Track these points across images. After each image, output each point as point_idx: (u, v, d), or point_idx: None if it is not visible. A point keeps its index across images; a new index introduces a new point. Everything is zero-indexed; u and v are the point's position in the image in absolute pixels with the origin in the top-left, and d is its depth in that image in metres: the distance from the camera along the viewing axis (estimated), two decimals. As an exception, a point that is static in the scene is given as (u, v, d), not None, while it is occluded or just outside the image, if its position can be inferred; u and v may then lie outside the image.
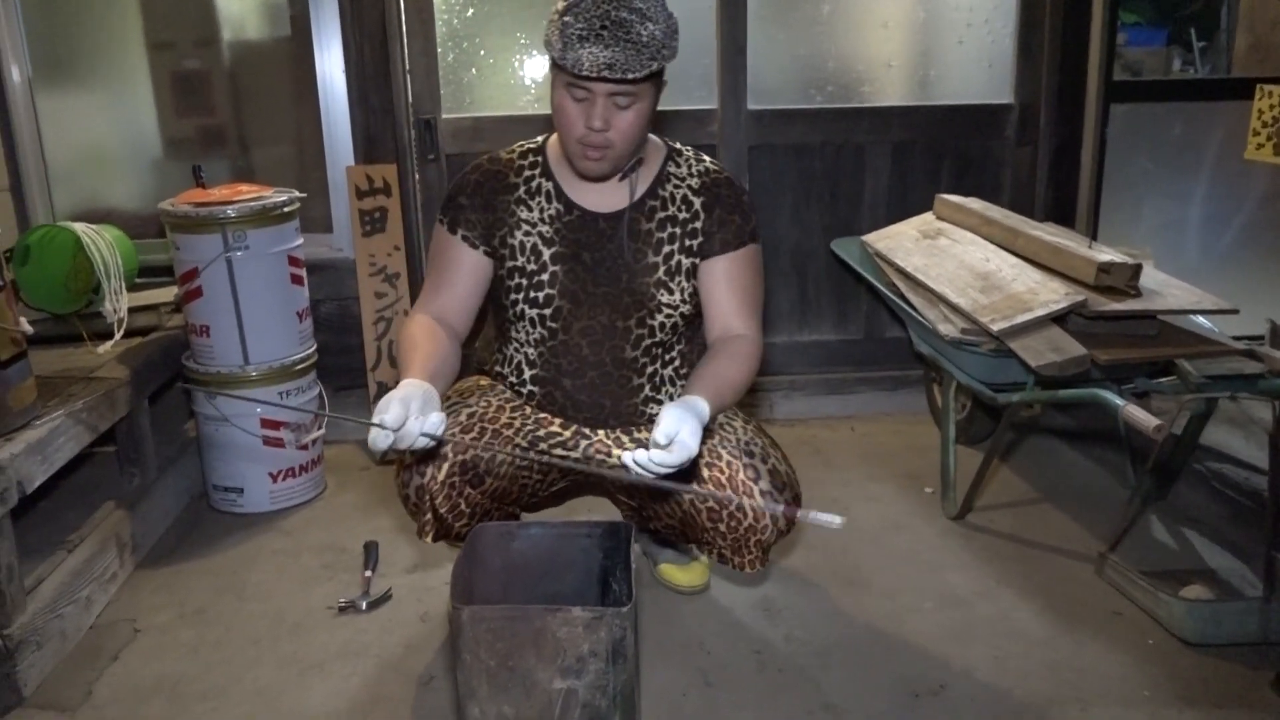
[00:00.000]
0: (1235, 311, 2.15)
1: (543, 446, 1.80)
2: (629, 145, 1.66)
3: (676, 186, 1.79)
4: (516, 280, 1.78)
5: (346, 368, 2.89)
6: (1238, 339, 2.15)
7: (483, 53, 2.90)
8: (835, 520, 1.29)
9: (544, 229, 1.77)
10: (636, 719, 1.45)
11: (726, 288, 1.76)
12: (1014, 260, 2.36)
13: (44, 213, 2.92)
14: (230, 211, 2.34)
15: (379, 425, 1.38)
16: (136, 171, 3.01)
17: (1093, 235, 2.93)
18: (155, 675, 1.86)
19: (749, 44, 2.89)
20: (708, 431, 1.53)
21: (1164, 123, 3.07)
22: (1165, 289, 2.21)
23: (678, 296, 1.78)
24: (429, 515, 1.72)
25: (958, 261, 2.45)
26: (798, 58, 2.99)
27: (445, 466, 1.69)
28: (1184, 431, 2.30)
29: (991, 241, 2.49)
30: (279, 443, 2.48)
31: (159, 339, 2.50)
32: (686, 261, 1.78)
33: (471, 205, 1.77)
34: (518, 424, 1.80)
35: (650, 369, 1.84)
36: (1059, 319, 2.14)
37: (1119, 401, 1.93)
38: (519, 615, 1.36)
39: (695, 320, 1.85)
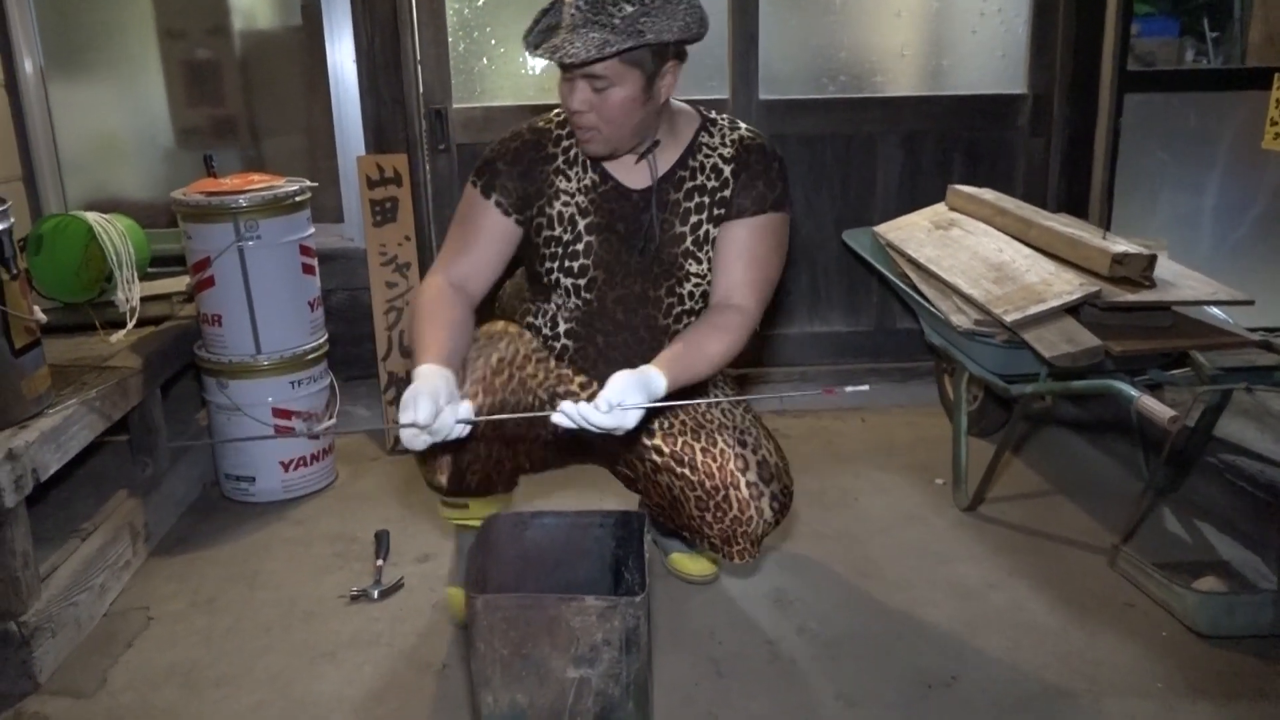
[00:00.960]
0: (1250, 303, 2.14)
1: (562, 389, 1.81)
2: (616, 129, 1.63)
3: (708, 156, 1.75)
4: (553, 249, 1.77)
5: (357, 357, 2.89)
6: (1253, 330, 2.14)
7: (494, 42, 2.89)
8: (863, 387, 1.45)
9: (580, 199, 1.76)
10: (649, 708, 1.46)
11: (738, 255, 1.73)
12: (1027, 251, 2.35)
13: (56, 202, 2.93)
14: (242, 201, 2.34)
15: (414, 425, 1.38)
16: (148, 161, 3.02)
17: (1106, 226, 2.92)
18: (168, 662, 1.87)
19: (761, 33, 2.88)
20: (666, 411, 1.57)
21: (1178, 113, 3.05)
22: (1180, 280, 2.20)
23: (706, 266, 1.76)
24: (447, 457, 1.68)
25: (970, 252, 2.44)
26: (810, 47, 2.98)
27: (475, 405, 1.64)
28: (1198, 423, 2.28)
29: (1004, 232, 2.48)
30: (291, 431, 2.48)
31: (171, 328, 2.51)
32: (715, 230, 1.76)
33: (510, 173, 1.75)
34: (540, 376, 1.78)
35: (676, 332, 1.82)
36: (1072, 310, 2.13)
37: (1133, 393, 1.92)
38: (533, 604, 1.36)
39: None
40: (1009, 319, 2.11)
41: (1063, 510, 2.40)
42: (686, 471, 1.74)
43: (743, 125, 1.80)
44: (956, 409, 2.42)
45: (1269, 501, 2.18)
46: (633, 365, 1.76)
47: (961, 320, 2.26)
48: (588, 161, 1.76)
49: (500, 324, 1.86)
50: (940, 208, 2.79)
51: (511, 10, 2.88)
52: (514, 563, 1.60)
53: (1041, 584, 2.07)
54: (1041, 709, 1.70)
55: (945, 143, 3.02)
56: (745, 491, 1.71)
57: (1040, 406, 2.94)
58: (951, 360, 2.46)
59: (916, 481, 2.56)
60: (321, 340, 2.57)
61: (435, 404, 1.40)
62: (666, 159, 1.75)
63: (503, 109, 2.89)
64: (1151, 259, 2.15)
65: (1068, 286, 2.14)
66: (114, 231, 2.48)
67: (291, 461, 2.50)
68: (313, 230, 2.53)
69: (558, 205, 1.76)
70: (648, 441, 1.79)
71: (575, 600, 1.35)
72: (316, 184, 2.57)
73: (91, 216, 2.49)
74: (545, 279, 1.81)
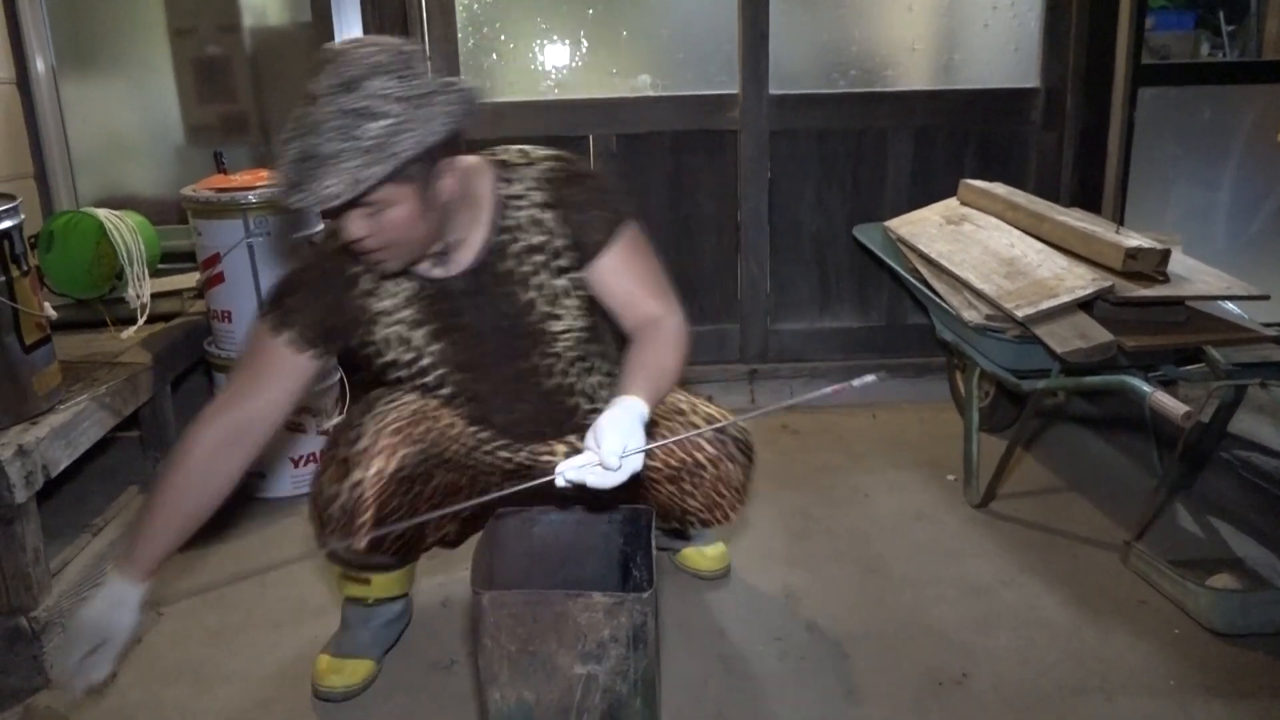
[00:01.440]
0: (1266, 298, 2.12)
1: (487, 449, 1.71)
2: (406, 245, 1.46)
3: (519, 209, 1.57)
4: (398, 372, 1.65)
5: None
6: (1268, 325, 2.12)
7: (503, 38, 2.89)
8: (869, 378, 1.28)
9: (405, 314, 1.60)
10: (657, 705, 1.45)
11: (622, 283, 1.59)
12: (1039, 246, 2.33)
13: (68, 199, 2.94)
14: (252, 197, 2.34)
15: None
16: (159, 158, 3.03)
17: (1119, 221, 2.89)
18: (178, 658, 1.87)
19: (771, 28, 2.87)
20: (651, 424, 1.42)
21: (1193, 106, 3.02)
22: (1194, 275, 2.17)
23: (568, 320, 1.63)
24: (367, 516, 1.56)
25: (982, 247, 2.42)
26: (820, 42, 2.96)
27: (394, 460, 1.57)
28: (1212, 419, 2.27)
29: (1016, 227, 2.47)
30: (300, 428, 2.49)
31: (181, 324, 2.51)
32: (562, 282, 1.60)
33: (305, 309, 1.57)
34: (458, 426, 1.68)
35: (579, 385, 1.72)
36: (1085, 305, 2.11)
37: (1147, 389, 1.90)
38: (540, 600, 1.36)
39: (600, 320, 1.70)
40: (1021, 314, 2.09)
41: (1075, 507, 2.38)
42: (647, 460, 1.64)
43: (535, 152, 1.62)
44: (968, 405, 2.40)
45: (1284, 498, 2.16)
46: (543, 433, 1.73)
47: (973, 315, 2.25)
48: (397, 272, 1.57)
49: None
50: (952, 203, 2.77)
51: (521, 6, 2.87)
52: (521, 559, 1.60)
53: (1053, 581, 2.06)
54: (1053, 707, 1.69)
55: (957, 137, 3.01)
56: (711, 449, 1.69)
57: (1052, 402, 2.92)
58: (963, 356, 2.45)
59: (928, 478, 2.55)
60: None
61: (88, 648, 1.42)
62: (479, 233, 1.57)
63: (513, 105, 2.89)
64: (1165, 254, 2.13)
65: (1080, 281, 2.12)
66: (125, 228, 2.49)
67: (302, 458, 2.50)
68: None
69: (382, 330, 1.62)
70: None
71: (582, 597, 1.35)
72: (326, 180, 2.56)
73: (102, 213, 2.50)
74: (391, 377, 1.68)
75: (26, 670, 1.77)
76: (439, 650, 1.88)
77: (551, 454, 1.74)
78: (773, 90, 2.92)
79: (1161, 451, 2.48)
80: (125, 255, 2.46)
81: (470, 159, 1.56)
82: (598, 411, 1.70)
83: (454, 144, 1.43)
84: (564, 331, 1.64)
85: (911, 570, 2.12)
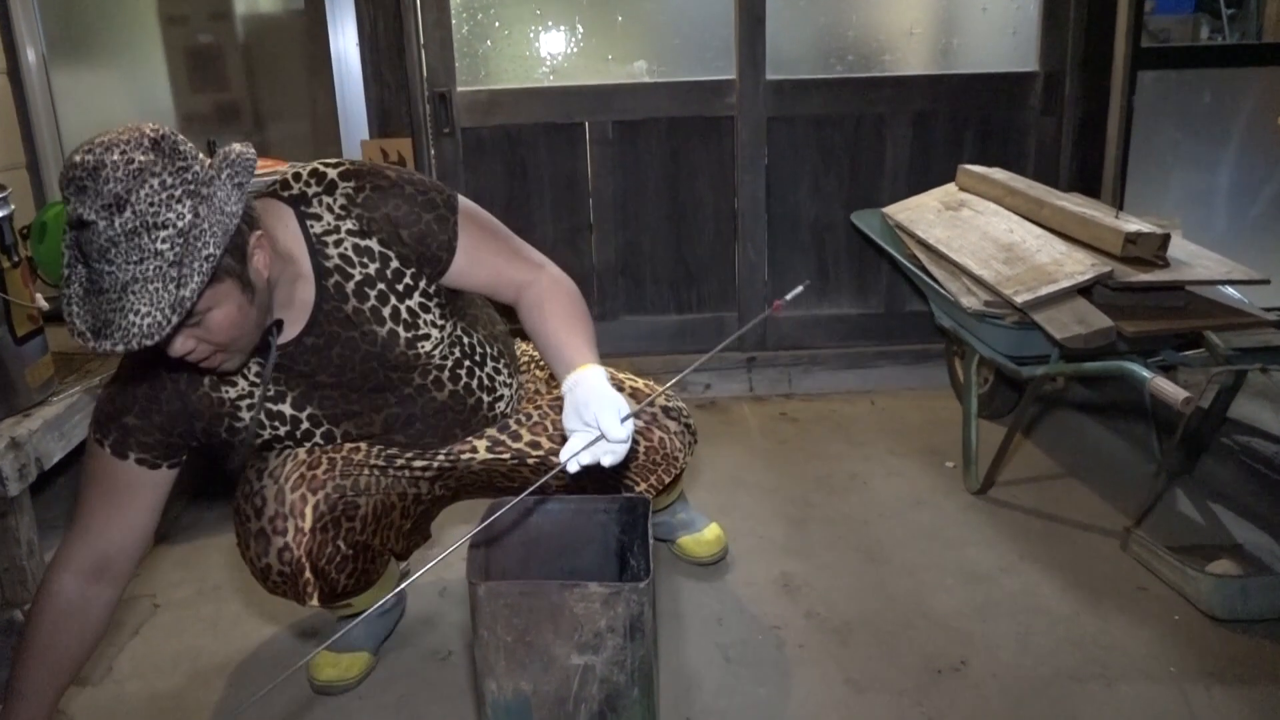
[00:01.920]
0: (1266, 282, 2.11)
1: (400, 462, 1.63)
2: (240, 341, 1.33)
3: (336, 243, 1.43)
4: (279, 448, 1.56)
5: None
6: (1268, 310, 2.11)
7: (498, 24, 2.86)
8: (799, 288, 1.28)
9: (259, 391, 1.49)
10: (655, 695, 1.44)
11: (486, 271, 1.51)
12: (1038, 231, 2.32)
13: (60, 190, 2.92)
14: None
15: None
16: (152, 148, 3.00)
17: (1119, 205, 2.88)
18: (175, 650, 1.87)
19: (768, 13, 2.85)
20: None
21: (1193, 90, 3.01)
22: (1194, 259, 2.16)
23: (436, 334, 1.53)
24: (307, 575, 1.52)
25: (981, 233, 2.41)
26: (817, 26, 2.94)
27: (309, 511, 1.50)
28: (1212, 405, 2.26)
29: (1015, 212, 2.45)
30: (296, 419, 2.48)
31: (176, 316, 2.50)
32: (414, 301, 1.49)
33: (147, 422, 1.44)
34: (362, 450, 1.60)
35: (472, 383, 1.63)
36: (1084, 290, 2.10)
37: (1146, 374, 1.89)
38: (536, 591, 1.35)
39: (465, 308, 1.64)
40: (1020, 300, 2.08)
41: (1075, 493, 2.37)
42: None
43: (325, 171, 1.45)
44: (967, 391, 2.39)
45: (1284, 483, 2.16)
46: (450, 435, 1.64)
47: (971, 302, 2.23)
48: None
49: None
50: (950, 188, 2.75)
51: (515, -8, 2.85)
52: (517, 549, 1.59)
53: (1053, 568, 2.05)
54: (1053, 694, 1.68)
55: (955, 122, 2.99)
56: (667, 434, 1.71)
57: (1052, 388, 2.91)
58: (962, 342, 2.44)
59: (927, 465, 2.54)
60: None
61: None
62: (304, 288, 1.43)
63: (508, 92, 2.87)
64: (1165, 238, 2.11)
65: (1079, 267, 2.11)
66: (117, 219, 2.47)
67: (298, 448, 2.49)
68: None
69: (244, 414, 1.50)
70: (517, 444, 1.69)
71: (579, 587, 1.34)
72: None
73: (95, 204, 2.48)
74: (248, 450, 1.57)
75: (22, 663, 1.76)
76: (436, 641, 1.87)
77: (473, 451, 1.67)
78: (770, 76, 2.90)
79: (1161, 437, 2.47)
80: (118, 246, 2.44)
81: (267, 210, 1.40)
82: (502, 400, 1.68)
83: (250, 215, 1.29)
84: (434, 347, 1.54)
85: (910, 557, 2.11)
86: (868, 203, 2.95)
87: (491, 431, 1.69)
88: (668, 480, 1.77)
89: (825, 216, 3.03)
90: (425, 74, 2.81)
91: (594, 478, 1.61)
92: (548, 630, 1.35)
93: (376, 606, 1.40)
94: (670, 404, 1.77)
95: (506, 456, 1.68)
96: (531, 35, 2.89)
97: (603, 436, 1.25)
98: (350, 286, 1.45)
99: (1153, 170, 3.04)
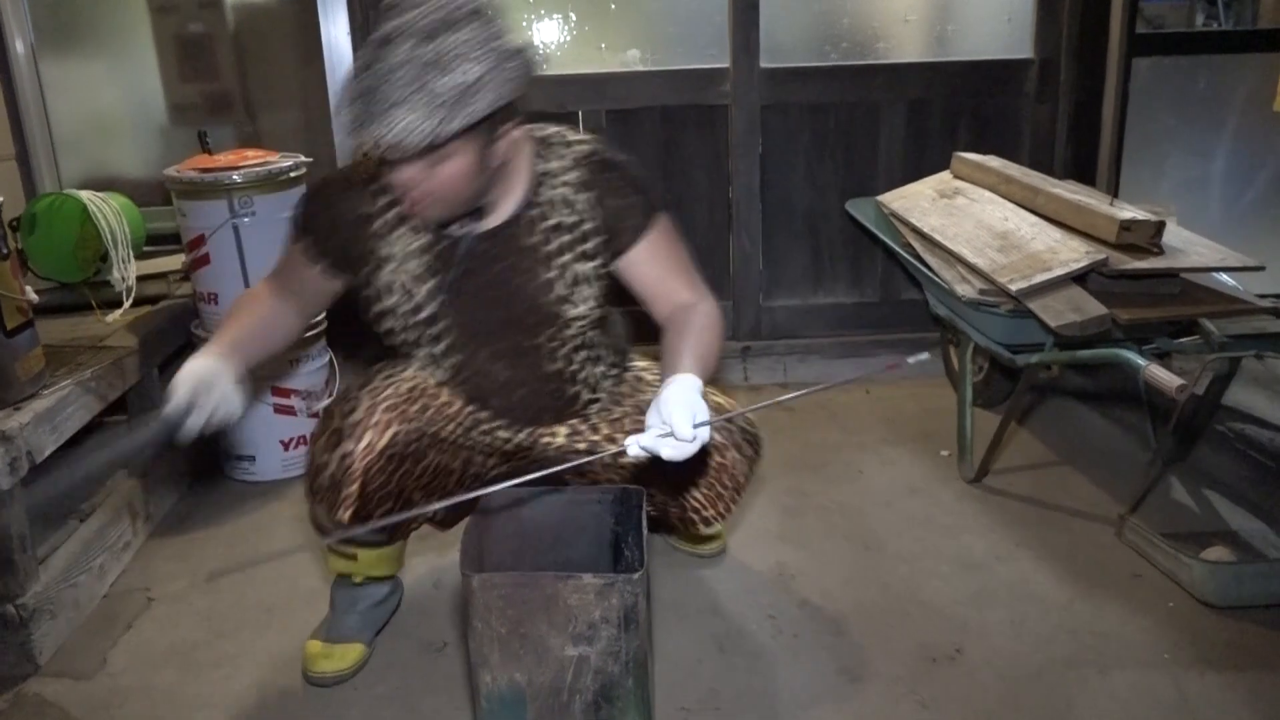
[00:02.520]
0: (1261, 269, 2.11)
1: (486, 426, 1.69)
2: (450, 201, 1.45)
3: (554, 187, 1.57)
4: (393, 322, 1.63)
5: (356, 335, 2.87)
6: (1263, 297, 2.11)
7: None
8: (924, 355, 1.36)
9: (412, 265, 1.58)
10: (650, 685, 1.44)
11: (656, 273, 1.61)
12: (1033, 219, 2.31)
13: (50, 181, 2.91)
14: (236, 177, 2.32)
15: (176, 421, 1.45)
16: (142, 138, 2.99)
17: (1114, 193, 2.87)
18: (169, 643, 1.86)
19: (761, 0, 2.83)
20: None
21: (1188, 76, 3.00)
22: (1189, 246, 2.16)
23: (583, 307, 1.61)
24: (354, 488, 1.55)
25: (975, 221, 2.40)
26: (812, 14, 2.92)
27: (387, 435, 1.56)
28: (1206, 392, 2.25)
29: (1010, 200, 2.44)
30: (290, 410, 2.47)
31: (168, 307, 2.49)
32: (585, 268, 1.59)
33: (322, 227, 1.60)
34: (456, 405, 1.66)
35: (581, 374, 1.71)
36: (1079, 278, 2.09)
37: (1141, 362, 1.89)
38: (530, 582, 1.35)
39: (612, 314, 1.75)
40: (1014, 288, 2.08)
41: (1069, 481, 2.37)
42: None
43: (575, 137, 1.61)
44: (962, 380, 2.39)
45: (1277, 470, 2.16)
46: (541, 416, 1.70)
47: (967, 290, 2.23)
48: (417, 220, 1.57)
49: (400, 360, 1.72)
50: (945, 176, 2.75)
51: (507, -20, 2.83)
52: (511, 540, 1.58)
53: (1048, 555, 2.05)
54: (1047, 681, 1.68)
55: (950, 110, 2.98)
56: (718, 437, 1.68)
57: (1046, 376, 2.91)
58: (957, 331, 2.43)
59: (922, 453, 2.54)
60: (320, 318, 2.54)
61: (193, 393, 1.44)
62: (511, 201, 1.56)
63: (500, 81, 2.85)
64: (1160, 225, 2.11)
65: (1074, 254, 2.10)
66: (109, 210, 2.46)
67: (292, 440, 2.49)
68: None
69: (385, 274, 1.59)
70: (596, 437, 1.72)
71: (572, 578, 1.34)
72: (312, 159, 2.53)
73: (86, 195, 2.47)
74: (401, 349, 1.68)
75: (15, 657, 1.76)
76: (430, 632, 1.87)
77: (552, 435, 1.73)
78: (764, 64, 2.88)
79: (1156, 425, 2.47)
80: (109, 238, 2.43)
81: (520, 130, 1.53)
82: (596, 401, 1.72)
83: (513, 110, 1.43)
84: (577, 318, 1.62)
85: (905, 546, 2.11)
86: (863, 191, 2.94)
87: (573, 421, 1.74)
88: (733, 507, 1.75)
89: (820, 205, 3.03)
90: (417, 63, 2.79)
91: (661, 485, 1.70)
92: (542, 621, 1.35)
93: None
94: (750, 429, 1.75)
95: (582, 446, 1.71)
96: (524, 24, 2.87)
97: (672, 433, 1.28)
98: (543, 225, 1.57)
99: (1147, 157, 3.03)
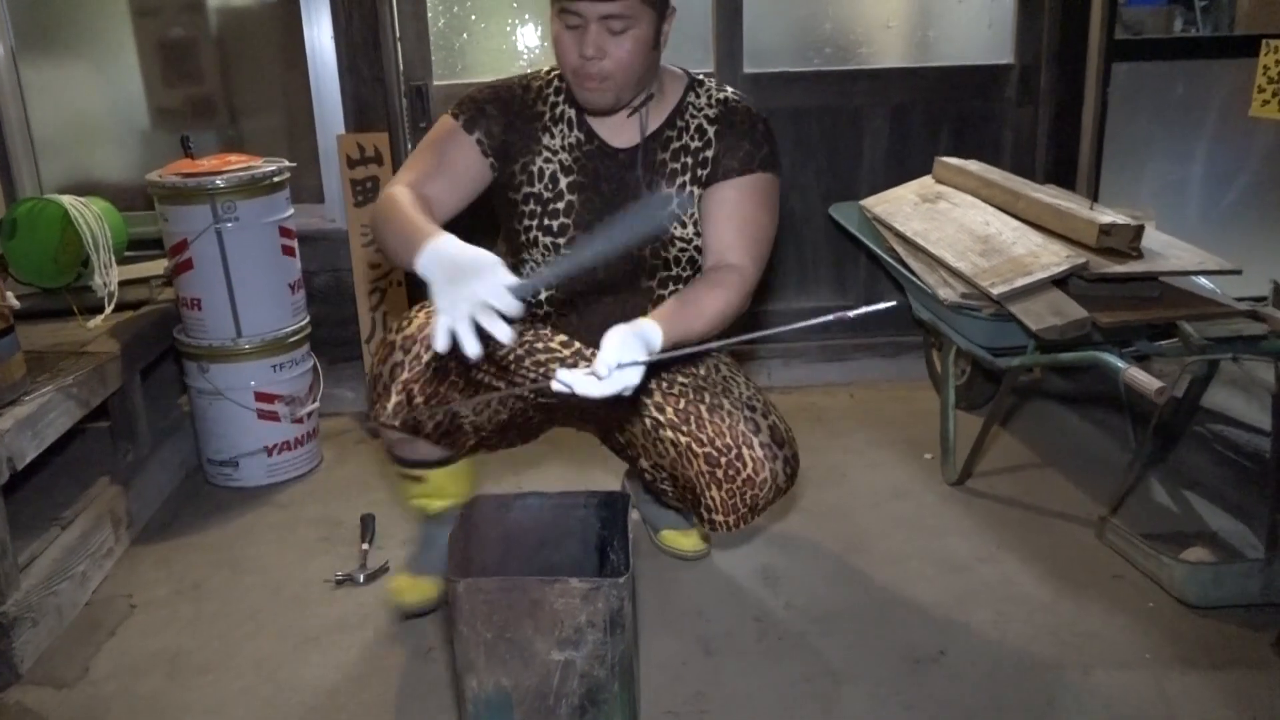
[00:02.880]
0: (1238, 272, 2.13)
1: (541, 356, 1.75)
2: (628, 75, 1.59)
3: (693, 116, 1.73)
4: (532, 206, 1.73)
5: (341, 339, 2.87)
6: (1240, 300, 2.13)
7: (474, 17, 2.85)
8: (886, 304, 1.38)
9: (564, 156, 1.73)
10: (636, 689, 1.45)
11: (727, 216, 1.69)
12: (1014, 223, 2.33)
13: (31, 185, 2.89)
14: (219, 182, 2.31)
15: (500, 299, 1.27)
16: (124, 142, 2.97)
17: (1094, 197, 2.90)
18: (152, 650, 1.85)
19: (745, 6, 2.84)
20: (668, 369, 1.57)
21: (1167, 82, 3.03)
22: (1167, 250, 2.18)
23: (690, 230, 1.73)
24: (397, 398, 1.65)
25: (957, 225, 2.42)
26: (795, 19, 2.94)
27: (429, 354, 1.64)
28: (1185, 394, 2.28)
29: (991, 204, 2.46)
30: (274, 416, 2.46)
31: (150, 312, 2.48)
32: (699, 192, 1.73)
33: (497, 118, 1.70)
34: (518, 331, 1.73)
35: (664, 299, 1.76)
36: (1060, 282, 2.11)
37: (1121, 364, 1.91)
38: (515, 587, 1.35)
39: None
40: (996, 292, 2.09)
41: (1051, 483, 2.39)
42: (694, 429, 1.69)
43: (729, 89, 1.78)
44: (945, 383, 2.41)
45: (1256, 471, 2.18)
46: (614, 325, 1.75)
47: (949, 294, 2.25)
48: (573, 119, 1.72)
49: None
50: (927, 180, 2.76)
51: (491, -16, 2.84)
52: (497, 544, 1.59)
53: (1030, 557, 2.07)
54: (1030, 682, 1.70)
55: (932, 114, 3.00)
56: (760, 451, 1.66)
57: (1028, 379, 2.93)
58: (939, 334, 2.45)
59: (905, 456, 2.56)
60: (303, 322, 2.54)
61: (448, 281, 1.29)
62: (655, 118, 1.72)
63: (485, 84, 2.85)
64: (1139, 229, 2.13)
65: (1055, 258, 2.12)
66: (90, 215, 2.44)
67: (275, 446, 2.48)
68: (292, 211, 2.50)
69: (539, 161, 1.72)
70: (647, 400, 1.75)
71: (558, 582, 1.34)
72: (296, 164, 2.53)
73: (67, 200, 2.46)
74: (523, 236, 1.76)
75: (-3, 665, 1.75)
76: (417, 638, 1.86)
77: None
78: (747, 69, 2.89)
79: (1136, 426, 2.49)
80: (91, 242, 2.42)
81: (672, 66, 1.75)
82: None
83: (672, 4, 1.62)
84: (682, 240, 1.73)
85: (889, 548, 2.13)
86: (845, 195, 2.96)
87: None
88: (743, 525, 1.72)
89: (803, 209, 3.04)
90: (402, 67, 2.79)
91: (685, 471, 1.72)
92: (528, 626, 1.35)
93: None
94: (780, 425, 1.75)
95: (630, 402, 1.70)
96: (508, 28, 2.88)
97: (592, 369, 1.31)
98: (675, 146, 1.72)
99: (1127, 162, 3.06)
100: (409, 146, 2.83)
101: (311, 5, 2.79)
